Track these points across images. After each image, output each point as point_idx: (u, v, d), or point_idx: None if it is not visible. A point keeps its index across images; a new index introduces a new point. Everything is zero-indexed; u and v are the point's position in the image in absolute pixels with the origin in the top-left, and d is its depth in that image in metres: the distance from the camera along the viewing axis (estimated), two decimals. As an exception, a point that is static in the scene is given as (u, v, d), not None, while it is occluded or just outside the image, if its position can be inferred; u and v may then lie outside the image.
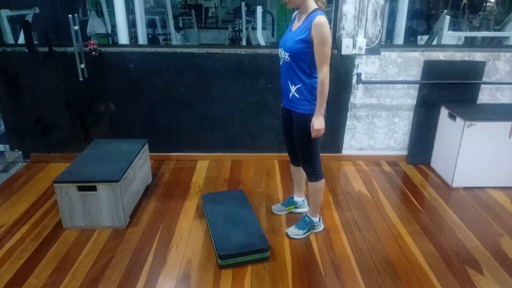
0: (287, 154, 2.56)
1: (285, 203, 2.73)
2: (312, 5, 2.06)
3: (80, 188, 2.44)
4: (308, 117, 2.14)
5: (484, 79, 3.32)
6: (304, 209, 2.70)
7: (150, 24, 7.28)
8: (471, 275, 2.16)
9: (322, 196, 2.43)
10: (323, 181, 2.37)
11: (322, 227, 2.56)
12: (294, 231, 2.48)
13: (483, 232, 2.55)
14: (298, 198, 2.71)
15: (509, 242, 2.45)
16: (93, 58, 3.16)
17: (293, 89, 2.16)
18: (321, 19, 1.96)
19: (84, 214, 2.49)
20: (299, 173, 2.59)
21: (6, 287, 2.04)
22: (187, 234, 2.50)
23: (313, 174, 2.34)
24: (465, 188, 3.10)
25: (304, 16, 2.06)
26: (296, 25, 2.13)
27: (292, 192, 2.76)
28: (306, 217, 2.50)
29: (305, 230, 2.47)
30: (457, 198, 2.99)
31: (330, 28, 3.30)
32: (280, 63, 2.21)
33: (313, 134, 2.13)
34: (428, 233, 2.53)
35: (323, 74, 2.04)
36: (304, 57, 2.06)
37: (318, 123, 2.11)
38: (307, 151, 2.28)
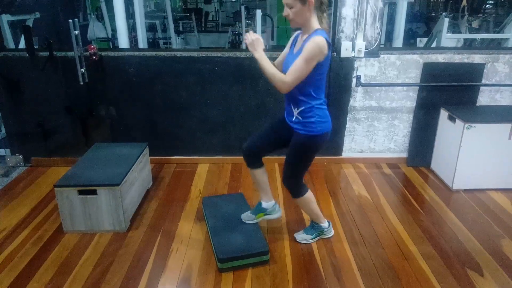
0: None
1: (254, 211, 2.48)
2: (315, 26, 1.94)
3: (81, 192, 2.44)
4: (311, 139, 2.07)
5: (483, 81, 3.32)
6: (276, 215, 2.47)
7: (150, 28, 7.30)
8: (471, 277, 2.16)
9: (314, 205, 2.35)
10: (308, 193, 2.29)
11: (332, 232, 2.50)
12: (302, 236, 2.45)
13: (484, 234, 2.55)
14: (267, 203, 2.42)
15: (509, 244, 2.45)
16: (93, 62, 3.18)
17: (296, 112, 2.06)
18: (318, 38, 1.84)
19: (84, 218, 2.50)
20: (260, 175, 2.34)
21: (7, 292, 2.05)
22: (188, 237, 2.50)
23: (297, 192, 2.26)
24: (466, 190, 3.10)
25: (306, 36, 1.95)
26: (298, 46, 2.02)
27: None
28: (312, 222, 2.45)
29: (313, 236, 2.43)
30: (458, 200, 2.99)
31: (329, 33, 3.33)
32: None
33: (246, 39, 1.97)
34: (429, 235, 2.53)
35: (286, 82, 1.89)
36: (307, 79, 1.93)
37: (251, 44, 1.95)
38: (297, 171, 2.21)
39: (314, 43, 1.84)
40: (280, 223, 2.64)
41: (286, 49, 2.17)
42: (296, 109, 2.07)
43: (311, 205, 2.34)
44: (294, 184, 2.25)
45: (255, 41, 1.94)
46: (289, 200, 2.80)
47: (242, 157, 2.34)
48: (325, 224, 2.45)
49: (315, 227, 2.44)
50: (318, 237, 2.46)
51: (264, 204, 2.43)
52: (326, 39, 1.88)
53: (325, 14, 1.97)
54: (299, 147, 2.13)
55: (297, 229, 2.54)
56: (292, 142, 2.14)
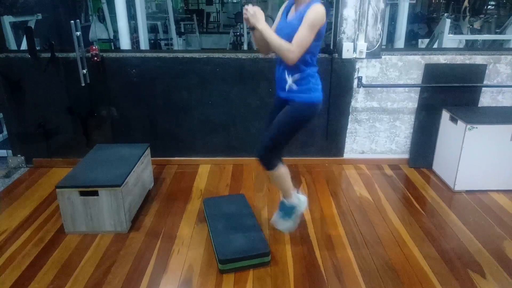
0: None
1: (285, 213, 2.45)
2: None
3: (82, 193, 2.44)
4: (305, 106, 2.06)
5: (485, 82, 3.32)
6: (303, 206, 2.41)
7: (152, 29, 7.32)
8: (473, 278, 2.15)
9: (286, 179, 2.26)
10: (279, 166, 2.20)
11: (303, 199, 2.39)
12: (283, 225, 2.41)
13: (486, 236, 2.54)
14: (295, 197, 2.38)
15: (511, 246, 2.44)
16: (95, 63, 3.18)
17: (290, 79, 2.06)
18: (318, 6, 1.90)
19: (86, 219, 2.50)
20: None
21: (8, 293, 2.05)
22: (189, 239, 2.50)
23: (271, 163, 2.17)
24: (467, 192, 3.09)
25: (301, 7, 1.98)
26: (291, 14, 2.05)
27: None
28: (283, 204, 2.38)
29: (292, 217, 2.38)
30: (459, 201, 2.98)
31: (330, 32, 3.34)
32: (275, 55, 2.11)
33: (246, 12, 1.96)
34: (430, 236, 2.53)
35: (293, 50, 1.89)
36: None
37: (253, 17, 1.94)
38: (280, 143, 2.15)
39: (317, 11, 1.89)
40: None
41: (277, 20, 2.18)
42: (290, 76, 2.06)
43: (284, 178, 2.26)
44: (270, 155, 2.17)
45: (257, 12, 1.95)
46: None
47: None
48: (293, 198, 2.33)
49: (287, 208, 2.37)
50: (295, 214, 2.39)
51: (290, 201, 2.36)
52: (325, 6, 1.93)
53: None
54: (290, 115, 2.09)
55: (298, 229, 2.54)
56: (282, 112, 2.11)
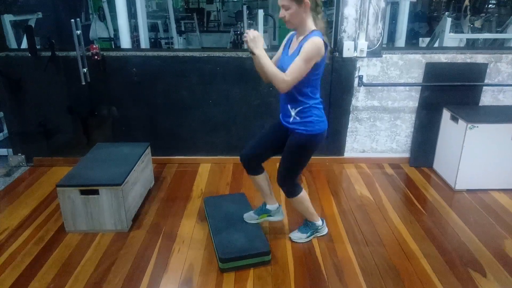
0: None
1: (258, 211, 2.51)
2: (311, 26, 1.96)
3: (83, 192, 2.44)
4: (309, 138, 2.09)
5: (486, 81, 3.31)
6: (279, 217, 2.51)
7: (152, 28, 7.31)
8: (474, 278, 2.15)
9: (308, 203, 2.36)
10: (302, 192, 2.30)
11: (326, 230, 2.53)
12: (297, 235, 2.47)
13: (486, 235, 2.54)
14: (271, 206, 2.47)
15: (512, 245, 2.44)
16: (95, 62, 3.18)
17: (293, 112, 2.08)
18: (316, 39, 1.87)
19: (86, 218, 2.50)
20: (262, 181, 2.37)
21: (9, 291, 2.05)
22: (189, 237, 2.50)
23: (293, 192, 2.27)
24: (468, 191, 3.09)
25: (301, 38, 1.97)
26: (293, 47, 2.04)
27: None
28: (306, 221, 2.47)
29: (308, 234, 2.46)
30: (460, 200, 2.98)
31: (331, 32, 3.33)
32: None
33: (246, 36, 1.94)
34: (431, 236, 2.52)
35: (286, 80, 1.89)
36: (304, 80, 1.95)
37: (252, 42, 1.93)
38: (293, 171, 2.23)
39: (313, 44, 1.88)
40: (282, 223, 2.64)
41: (280, 50, 2.19)
42: (293, 109, 2.09)
43: (305, 203, 2.36)
44: (289, 184, 2.27)
45: (256, 37, 1.94)
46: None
47: (245, 170, 2.34)
48: (319, 222, 2.47)
49: (309, 226, 2.46)
50: (313, 235, 2.48)
51: (269, 206, 2.47)
52: (323, 40, 1.91)
53: (319, 16, 1.99)
54: (296, 147, 2.14)
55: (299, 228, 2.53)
56: (289, 142, 2.16)
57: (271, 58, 2.00)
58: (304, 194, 2.32)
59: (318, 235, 2.49)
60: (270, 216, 2.49)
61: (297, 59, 1.90)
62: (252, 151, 2.30)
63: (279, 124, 2.22)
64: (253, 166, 2.33)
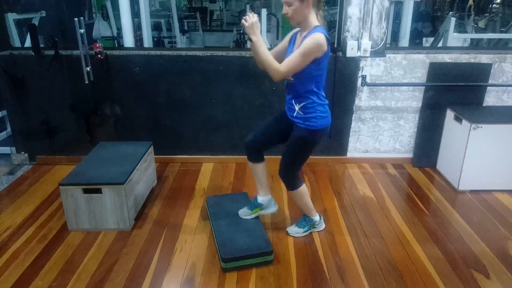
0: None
1: (251, 206, 2.55)
2: (314, 22, 1.98)
3: (86, 191, 2.45)
4: (311, 133, 2.11)
5: (490, 81, 3.29)
6: (272, 209, 2.54)
7: (156, 27, 7.31)
8: (477, 279, 2.14)
9: (307, 198, 2.41)
10: (303, 186, 2.33)
11: (323, 225, 2.56)
12: (294, 229, 2.50)
13: (490, 236, 2.53)
14: (263, 198, 2.49)
15: (516, 246, 2.43)
16: (98, 61, 3.18)
17: (297, 107, 2.12)
18: (318, 35, 1.88)
19: (89, 216, 2.50)
20: (260, 170, 2.40)
21: (12, 289, 2.05)
22: (192, 237, 2.50)
23: (293, 184, 2.30)
24: (472, 191, 3.08)
25: (305, 33, 1.99)
26: (297, 44, 2.05)
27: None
28: (304, 216, 2.50)
29: (305, 229, 2.48)
30: (464, 201, 2.96)
31: (334, 30, 3.32)
32: (284, 84, 2.17)
33: (244, 21, 1.94)
34: (434, 236, 2.51)
35: (281, 71, 1.92)
36: (309, 77, 2.00)
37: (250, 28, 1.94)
38: (294, 164, 2.27)
39: (314, 39, 1.89)
40: (284, 223, 2.64)
41: (284, 43, 2.20)
42: (297, 104, 2.12)
43: (305, 198, 2.39)
44: (290, 177, 2.29)
45: (254, 23, 1.95)
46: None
47: (246, 156, 2.36)
48: (316, 217, 2.50)
49: (307, 220, 2.49)
50: (310, 230, 2.51)
51: (260, 199, 2.51)
52: (326, 36, 1.92)
53: (321, 12, 2.02)
54: (299, 141, 2.17)
55: (301, 229, 2.54)
56: (292, 135, 2.19)
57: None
58: (304, 188, 2.35)
59: (315, 230, 2.53)
60: (262, 209, 2.53)
61: (295, 52, 1.94)
62: (257, 138, 2.34)
63: (285, 115, 2.26)
64: (255, 152, 2.36)
